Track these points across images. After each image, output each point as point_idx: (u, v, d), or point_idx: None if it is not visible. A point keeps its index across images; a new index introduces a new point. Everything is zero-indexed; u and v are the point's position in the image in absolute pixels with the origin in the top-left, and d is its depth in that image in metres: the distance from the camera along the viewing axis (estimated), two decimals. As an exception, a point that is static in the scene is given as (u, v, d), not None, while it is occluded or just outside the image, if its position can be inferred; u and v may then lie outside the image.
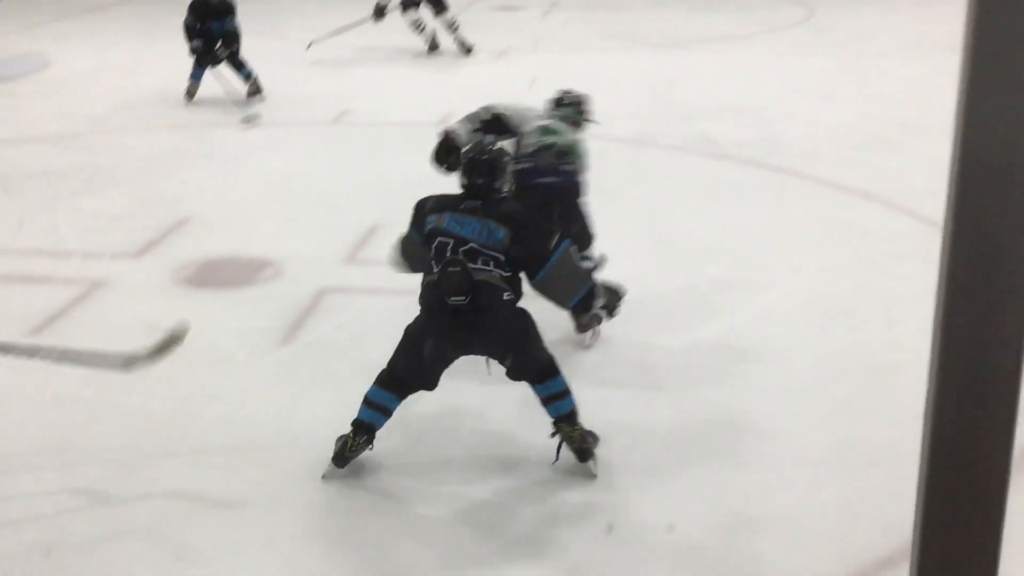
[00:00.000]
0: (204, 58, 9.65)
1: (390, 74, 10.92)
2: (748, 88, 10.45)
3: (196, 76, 9.75)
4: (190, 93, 9.79)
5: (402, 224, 4.21)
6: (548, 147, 5.07)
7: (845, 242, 6.38)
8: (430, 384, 4.01)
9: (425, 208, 4.11)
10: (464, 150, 4.50)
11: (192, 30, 9.63)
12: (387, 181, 7.48)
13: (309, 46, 11.31)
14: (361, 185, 7.49)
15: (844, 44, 12.65)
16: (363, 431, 3.97)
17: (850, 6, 14.81)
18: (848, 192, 7.26)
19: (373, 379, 3.98)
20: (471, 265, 3.85)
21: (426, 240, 4.03)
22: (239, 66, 9.73)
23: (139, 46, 12.48)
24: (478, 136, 4.99)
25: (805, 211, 7.00)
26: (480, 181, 4.07)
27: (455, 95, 9.88)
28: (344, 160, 8.13)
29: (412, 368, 3.96)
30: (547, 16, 14.84)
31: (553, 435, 4.05)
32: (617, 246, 5.58)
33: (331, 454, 3.98)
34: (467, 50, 11.78)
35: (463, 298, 3.82)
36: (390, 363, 4.01)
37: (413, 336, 3.97)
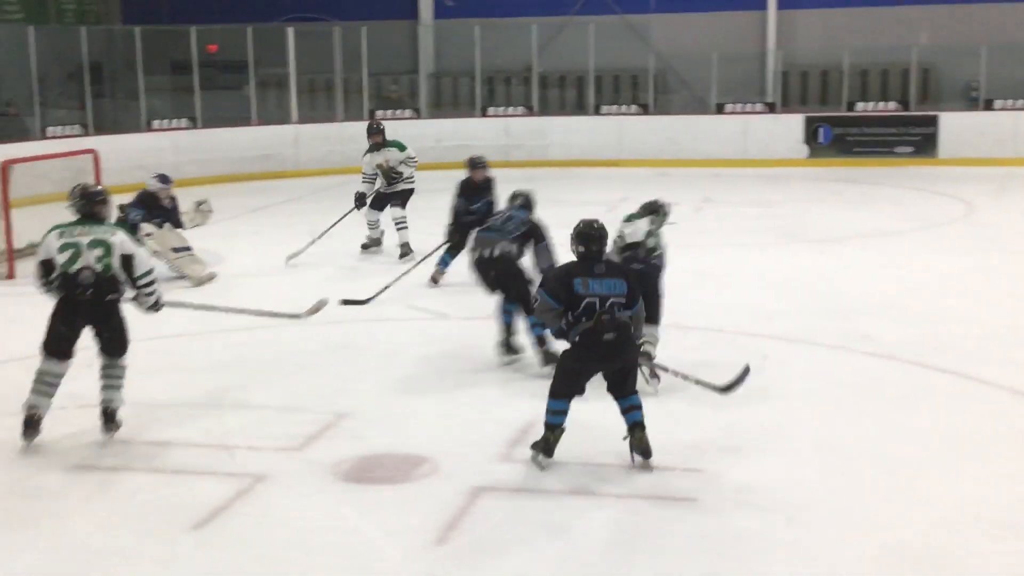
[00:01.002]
0: (457, 247, 10.14)
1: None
2: (907, 285, 10.26)
3: (445, 263, 10.36)
4: (435, 279, 10.37)
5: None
6: (637, 245, 7.30)
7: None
8: (582, 392, 5.92)
9: (564, 280, 5.84)
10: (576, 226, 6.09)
11: (460, 214, 10.19)
12: (534, 378, 7.51)
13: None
14: (510, 382, 7.52)
15: (1004, 241, 12.38)
16: (556, 429, 5.85)
17: (1009, 202, 14.56)
18: (1021, 396, 6.96)
19: None
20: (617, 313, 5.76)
21: (570, 301, 5.76)
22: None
23: (296, 247, 12.98)
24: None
25: (978, 416, 6.72)
26: (595, 248, 5.92)
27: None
28: (490, 358, 8.17)
29: (575, 384, 5.87)
30: (699, 212, 14.99)
31: (625, 439, 5.85)
32: (776, 447, 5.43)
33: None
34: (403, 254, 11.70)
35: (613, 335, 5.71)
36: (558, 382, 5.90)
37: (573, 364, 5.88)
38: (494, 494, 5.63)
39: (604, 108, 20.83)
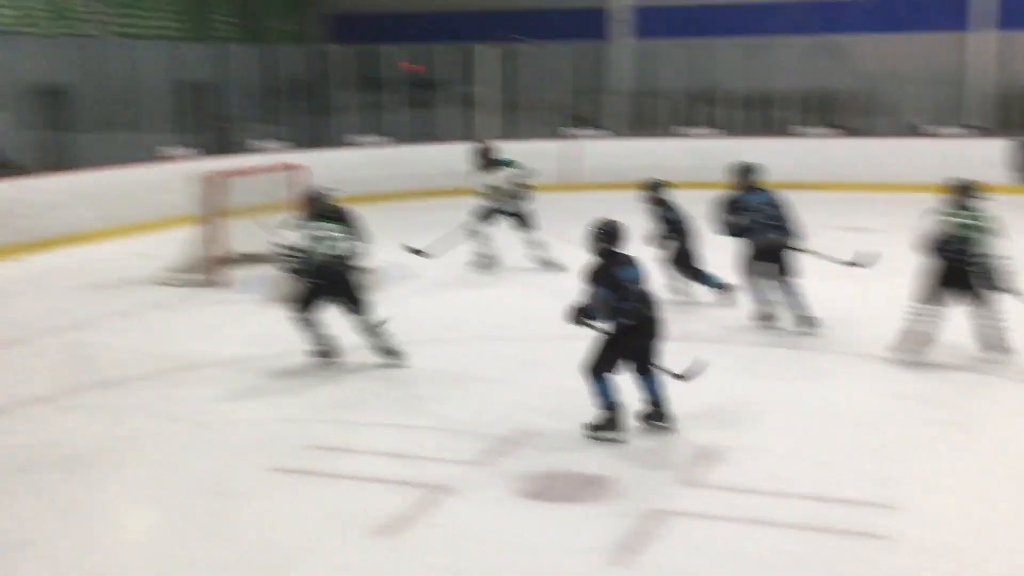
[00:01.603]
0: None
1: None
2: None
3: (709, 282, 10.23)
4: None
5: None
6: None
7: None
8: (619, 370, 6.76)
9: (608, 273, 6.68)
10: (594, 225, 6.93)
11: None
12: (723, 403, 7.43)
13: None
14: (701, 406, 7.44)
15: None
16: (616, 407, 6.73)
17: None
18: None
19: None
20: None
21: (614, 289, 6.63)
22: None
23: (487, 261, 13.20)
24: None
25: None
26: (617, 243, 6.79)
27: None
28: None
29: (614, 362, 6.71)
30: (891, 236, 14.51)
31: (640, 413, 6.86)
32: None
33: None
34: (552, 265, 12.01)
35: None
36: (600, 362, 6.72)
37: (614, 344, 6.69)
38: (675, 519, 5.60)
39: (798, 129, 20.41)
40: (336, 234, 8.30)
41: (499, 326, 9.86)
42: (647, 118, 21.79)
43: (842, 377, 8.17)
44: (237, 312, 10.40)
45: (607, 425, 6.75)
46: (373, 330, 8.40)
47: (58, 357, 8.98)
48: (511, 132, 21.40)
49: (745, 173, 9.73)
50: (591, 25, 22.66)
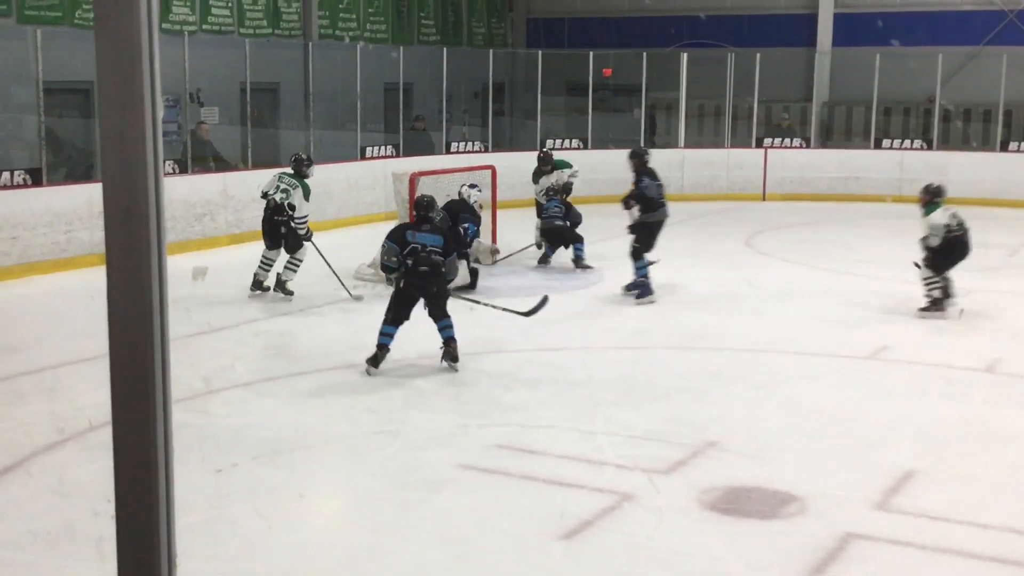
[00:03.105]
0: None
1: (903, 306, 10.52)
2: None
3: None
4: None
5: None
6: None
7: None
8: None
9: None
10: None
11: None
12: (922, 425, 7.16)
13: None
14: (895, 427, 7.20)
15: None
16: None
17: None
18: None
19: None
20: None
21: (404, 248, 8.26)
22: None
23: (680, 269, 13.08)
24: None
25: None
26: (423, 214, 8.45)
27: (1002, 339, 9.34)
28: (879, 397, 7.87)
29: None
30: (1014, 255, 13.78)
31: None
32: None
33: None
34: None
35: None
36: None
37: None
38: (866, 543, 5.41)
39: (1013, 144, 19.47)
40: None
41: (686, 336, 9.75)
42: (852, 129, 21.18)
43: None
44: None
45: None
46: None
47: (258, 345, 9.35)
48: (712, 140, 21.18)
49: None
50: (800, 32, 22.18)
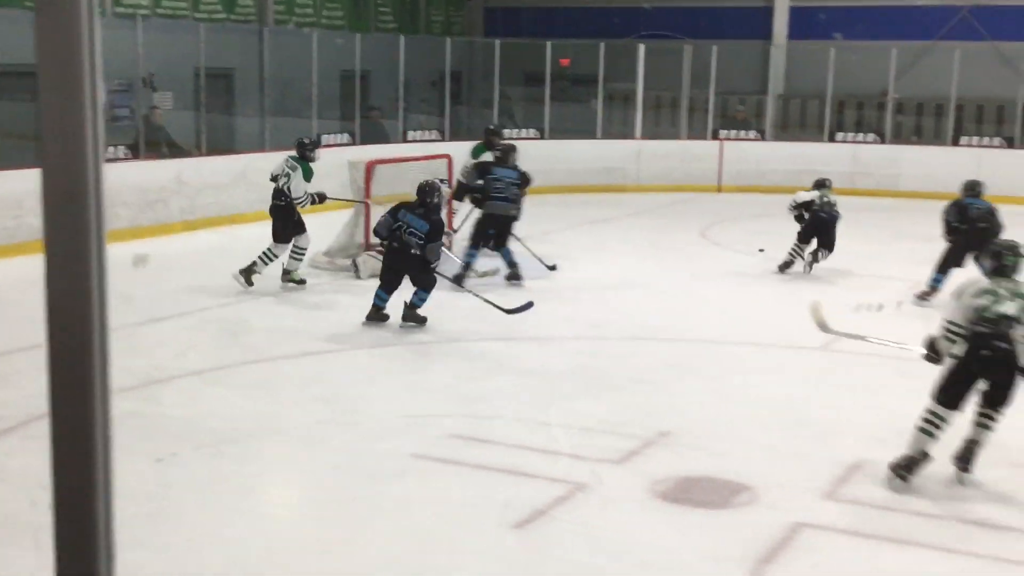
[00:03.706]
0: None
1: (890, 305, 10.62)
2: None
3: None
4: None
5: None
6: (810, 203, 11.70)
7: None
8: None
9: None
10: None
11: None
12: (873, 416, 7.24)
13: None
14: (847, 418, 7.27)
15: None
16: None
17: None
18: None
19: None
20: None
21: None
22: None
23: (637, 261, 13.12)
24: None
25: None
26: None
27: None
28: (831, 388, 7.95)
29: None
30: None
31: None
32: None
33: None
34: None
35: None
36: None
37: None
38: (815, 533, 5.46)
39: (964, 139, 19.71)
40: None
41: (642, 327, 9.79)
42: (807, 122, 21.34)
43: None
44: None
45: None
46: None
47: (210, 333, 9.28)
48: (669, 132, 21.26)
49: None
50: (756, 25, 22.30)
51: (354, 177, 12.45)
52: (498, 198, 11.19)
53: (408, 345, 8.87)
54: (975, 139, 19.66)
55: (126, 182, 13.19)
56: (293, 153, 10.95)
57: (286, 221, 10.62)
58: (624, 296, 10.89)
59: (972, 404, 5.96)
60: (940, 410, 5.86)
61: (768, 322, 9.86)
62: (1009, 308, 5.72)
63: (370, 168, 12.00)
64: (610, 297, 10.79)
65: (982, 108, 20.33)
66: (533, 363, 8.46)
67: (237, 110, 17.66)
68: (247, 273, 10.49)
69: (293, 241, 10.65)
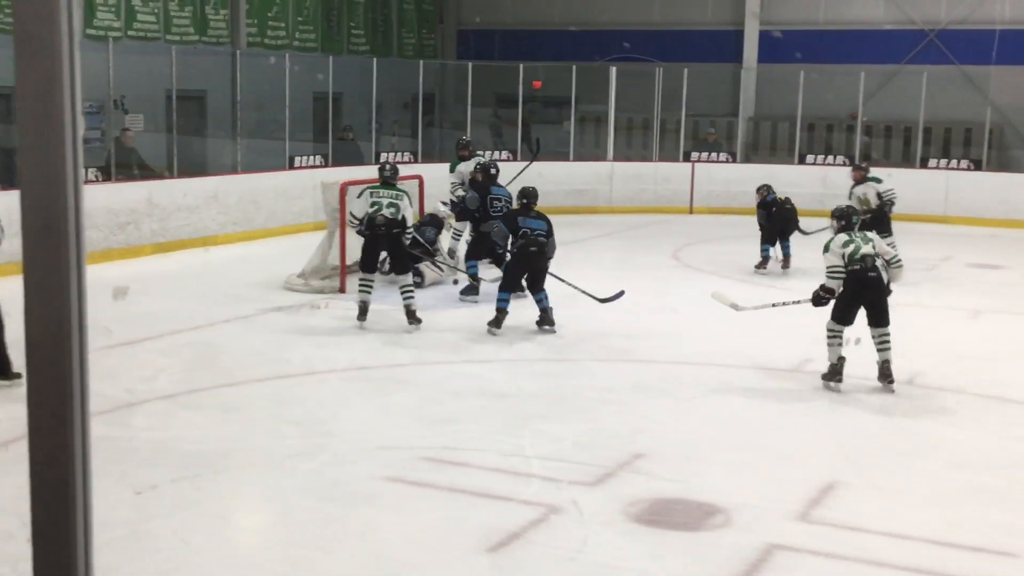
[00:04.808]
0: None
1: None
2: None
3: None
4: None
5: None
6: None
7: None
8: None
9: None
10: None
11: None
12: (844, 437, 7.28)
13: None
14: (818, 439, 7.31)
15: None
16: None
17: None
18: None
19: None
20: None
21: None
22: None
23: (609, 282, 13.14)
24: None
25: None
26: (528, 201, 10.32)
27: (923, 353, 9.51)
28: (802, 410, 8.00)
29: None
30: (932, 270, 14.10)
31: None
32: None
33: None
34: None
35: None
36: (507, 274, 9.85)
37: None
38: (788, 554, 5.48)
39: (932, 161, 19.90)
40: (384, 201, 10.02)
41: (612, 349, 9.82)
42: (777, 144, 21.49)
43: (967, 418, 7.90)
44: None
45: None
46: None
47: (181, 356, 9.22)
48: (640, 154, 21.36)
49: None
50: (726, 48, 22.47)
51: (327, 199, 12.44)
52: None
53: (381, 368, 8.85)
54: (943, 161, 19.87)
55: (97, 204, 13.12)
56: (375, 185, 10.50)
57: (392, 252, 10.39)
58: (595, 317, 10.90)
59: (868, 337, 8.22)
60: (837, 327, 8.28)
61: (739, 343, 9.89)
62: (867, 248, 8.19)
63: (344, 189, 11.99)
64: (581, 318, 10.80)
65: (949, 131, 20.53)
66: (504, 385, 8.46)
67: (209, 132, 17.62)
68: (411, 317, 10.02)
69: (403, 276, 10.22)
